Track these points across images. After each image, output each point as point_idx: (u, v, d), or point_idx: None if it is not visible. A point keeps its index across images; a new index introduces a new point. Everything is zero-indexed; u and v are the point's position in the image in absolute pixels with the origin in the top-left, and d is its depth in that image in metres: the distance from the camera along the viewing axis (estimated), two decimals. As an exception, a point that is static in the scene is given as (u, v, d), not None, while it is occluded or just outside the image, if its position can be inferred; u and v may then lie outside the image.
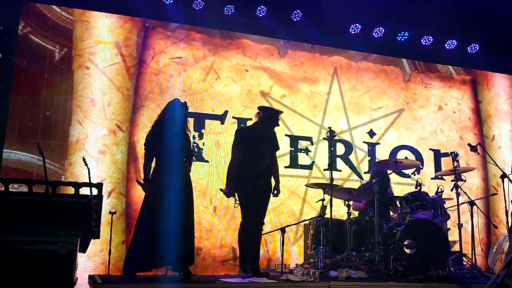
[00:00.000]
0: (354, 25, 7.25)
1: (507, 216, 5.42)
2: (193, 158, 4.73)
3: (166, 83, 6.50)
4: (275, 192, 4.88)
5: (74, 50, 6.18)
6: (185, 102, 4.74)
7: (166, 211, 4.21)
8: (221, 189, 4.94)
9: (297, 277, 4.17)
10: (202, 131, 6.50)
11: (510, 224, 1.57)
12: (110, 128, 6.09)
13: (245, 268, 4.46)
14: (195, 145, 6.39)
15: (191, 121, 6.43)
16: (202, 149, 6.43)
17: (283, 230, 4.89)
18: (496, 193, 6.80)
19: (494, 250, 6.03)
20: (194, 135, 6.42)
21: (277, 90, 7.03)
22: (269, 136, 4.93)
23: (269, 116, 4.88)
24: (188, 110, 6.33)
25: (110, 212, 5.16)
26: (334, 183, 6.69)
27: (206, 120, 6.56)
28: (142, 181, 4.52)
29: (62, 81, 6.07)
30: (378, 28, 7.35)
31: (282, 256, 4.72)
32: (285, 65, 7.15)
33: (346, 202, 5.34)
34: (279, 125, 5.04)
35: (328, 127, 5.18)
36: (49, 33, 6.11)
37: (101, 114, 6.10)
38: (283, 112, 5.13)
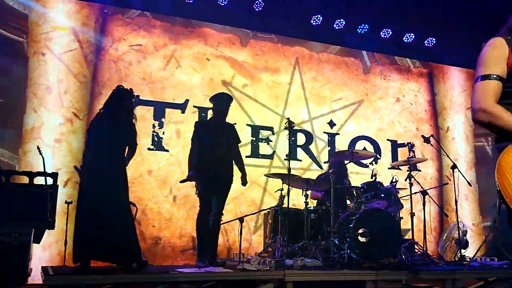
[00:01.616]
0: (316, 16, 7.31)
1: (456, 205, 5.64)
2: (135, 149, 4.57)
3: (125, 70, 6.40)
4: (243, 183, 5.03)
5: (29, 36, 5.99)
6: (130, 89, 4.58)
7: (99, 201, 4.11)
8: (181, 181, 4.95)
9: (253, 266, 4.24)
10: (163, 120, 6.45)
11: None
12: (67, 116, 5.96)
13: (202, 258, 4.50)
14: (154, 134, 6.34)
15: (151, 109, 6.41)
16: (162, 138, 6.39)
17: (241, 219, 4.92)
18: (447, 183, 7.06)
19: (444, 238, 6.28)
20: (154, 124, 6.37)
21: (239, 79, 7.04)
22: (225, 125, 4.98)
23: (219, 105, 4.93)
24: (149, 99, 6.38)
25: (66, 202, 5.06)
26: (294, 173, 6.84)
27: (167, 109, 6.51)
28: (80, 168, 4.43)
29: (17, 67, 5.88)
30: (339, 20, 7.44)
31: (240, 245, 4.76)
32: (247, 54, 7.16)
33: (304, 192, 5.43)
34: (227, 110, 5.05)
35: (287, 118, 5.24)
36: (3, 18, 5.89)
37: (58, 102, 5.95)
38: (231, 99, 5.15)
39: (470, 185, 5.79)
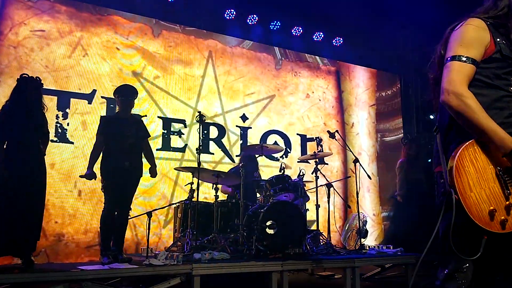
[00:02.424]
0: (229, 10, 7.34)
1: (357, 196, 5.99)
2: (49, 138, 4.42)
3: (26, 57, 5.99)
4: (152, 175, 4.96)
5: None
6: (37, 77, 4.39)
7: (13, 193, 3.93)
8: (81, 176, 4.76)
9: (160, 261, 4.18)
10: (67, 110, 6.14)
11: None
12: (-43, 104, 5.45)
13: (106, 254, 4.36)
14: (58, 125, 6.01)
15: (54, 99, 6.07)
16: (66, 129, 6.08)
17: (149, 214, 4.83)
18: (350, 176, 7.46)
19: (346, 228, 6.64)
20: (57, 115, 6.04)
21: (150, 70, 6.88)
22: (131, 118, 4.87)
23: (122, 98, 4.83)
24: (52, 88, 6.03)
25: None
26: (206, 166, 6.86)
27: (72, 99, 6.20)
28: None
29: None
30: (252, 16, 7.53)
31: (148, 240, 4.68)
32: (159, 45, 7.01)
33: (214, 185, 5.45)
34: (132, 102, 4.94)
35: (198, 111, 5.23)
36: None
37: None
38: (135, 91, 5.03)
39: (370, 178, 6.16)
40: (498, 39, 1.89)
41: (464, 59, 1.84)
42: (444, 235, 1.92)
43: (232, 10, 7.35)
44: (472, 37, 1.87)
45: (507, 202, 1.76)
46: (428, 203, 5.69)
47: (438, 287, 1.97)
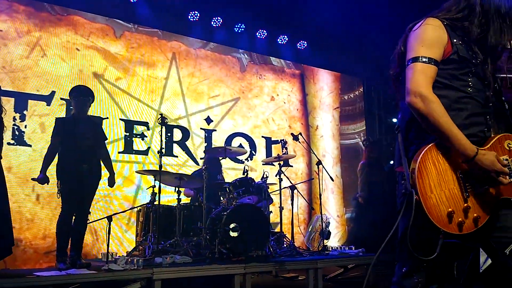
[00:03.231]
0: (193, 12, 7.30)
1: (320, 198, 6.05)
2: (2, 142, 4.25)
3: (-19, 57, 5.79)
4: (110, 185, 4.91)
5: None
6: None
7: None
8: (33, 179, 4.63)
9: (119, 266, 4.10)
10: (25, 112, 5.96)
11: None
12: None
13: (62, 260, 4.25)
14: (15, 127, 5.83)
15: (11, 100, 5.88)
16: (24, 132, 5.89)
17: (109, 218, 4.74)
18: (313, 178, 7.53)
19: (310, 230, 6.71)
20: (14, 117, 5.85)
21: (112, 72, 6.76)
22: (88, 120, 4.78)
23: (77, 100, 4.73)
24: (10, 89, 5.84)
25: None
26: (170, 169, 6.79)
27: (30, 101, 6.02)
28: None
29: None
30: (216, 18, 7.51)
31: (108, 245, 4.59)
32: (121, 46, 6.90)
33: (177, 188, 5.40)
34: (88, 104, 4.85)
35: (160, 114, 5.18)
36: None
37: None
38: (91, 92, 4.95)
39: (333, 180, 6.23)
40: (454, 40, 1.91)
41: (426, 60, 1.85)
42: (403, 234, 1.96)
43: (196, 12, 7.31)
44: (432, 37, 1.89)
45: (465, 205, 1.80)
46: (389, 204, 5.82)
47: (395, 284, 2.01)
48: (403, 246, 2.00)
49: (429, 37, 1.89)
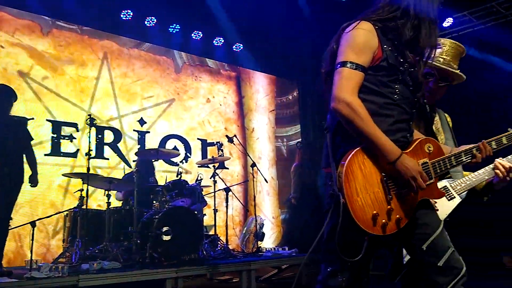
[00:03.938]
0: (126, 11, 7.11)
1: (255, 200, 6.10)
2: None
3: None
4: (32, 184, 4.66)
5: None
6: None
7: None
8: None
9: (43, 273, 3.90)
10: None
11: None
12: None
13: (-22, 269, 3.99)
14: None
15: None
16: None
17: (33, 223, 4.50)
18: (248, 180, 7.57)
19: (244, 231, 6.74)
20: None
21: (38, 70, 6.44)
22: (10, 120, 4.53)
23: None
24: None
25: None
26: (101, 172, 6.57)
27: None
28: None
29: None
30: (150, 18, 7.37)
31: (31, 252, 4.34)
32: (48, 44, 6.59)
33: (107, 192, 5.23)
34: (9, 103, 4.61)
35: (88, 115, 5.00)
36: None
37: None
38: (11, 92, 4.70)
39: (267, 182, 6.30)
40: (385, 46, 1.94)
41: (354, 66, 1.87)
42: (329, 235, 2.00)
43: (129, 11, 7.13)
44: (361, 42, 1.90)
45: (389, 207, 1.85)
46: (321, 205, 5.97)
47: (320, 282, 2.05)
48: (329, 247, 2.04)
49: (359, 43, 1.91)
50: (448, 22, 7.36)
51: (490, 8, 7.10)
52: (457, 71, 2.44)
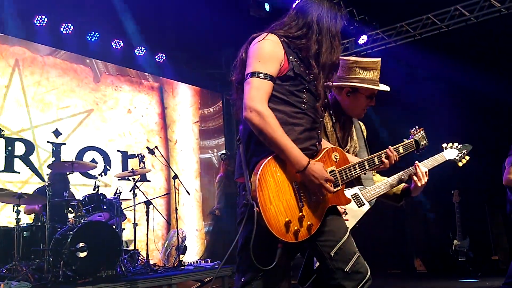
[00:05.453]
0: (40, 16, 6.75)
1: (176, 212, 5.99)
2: None
3: None
4: None
5: None
6: None
7: None
8: None
9: None
10: None
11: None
12: None
13: None
14: None
15: None
16: None
17: None
18: (168, 193, 7.42)
19: (165, 245, 6.59)
20: None
21: None
22: None
23: None
24: None
25: None
26: (11, 187, 6.14)
27: None
28: None
29: None
30: (66, 24, 7.05)
31: None
32: (-50, 49, 6.10)
33: (16, 207, 4.89)
34: None
35: (-5, 125, 4.66)
36: None
37: None
38: None
39: (189, 194, 6.22)
40: (291, 57, 2.00)
41: (262, 76, 1.92)
42: (243, 245, 2.01)
43: (44, 17, 6.77)
44: (268, 53, 1.95)
45: (300, 214, 1.90)
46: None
47: None
48: (243, 256, 2.06)
49: (266, 53, 1.96)
50: (362, 39, 7.77)
51: (400, 28, 7.59)
52: (356, 83, 2.42)
